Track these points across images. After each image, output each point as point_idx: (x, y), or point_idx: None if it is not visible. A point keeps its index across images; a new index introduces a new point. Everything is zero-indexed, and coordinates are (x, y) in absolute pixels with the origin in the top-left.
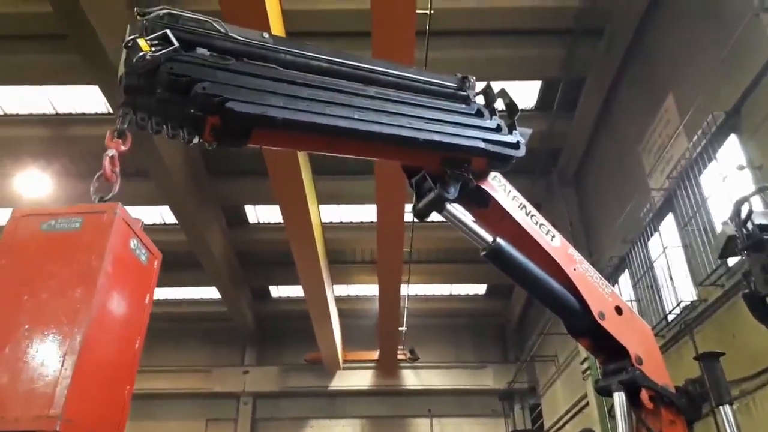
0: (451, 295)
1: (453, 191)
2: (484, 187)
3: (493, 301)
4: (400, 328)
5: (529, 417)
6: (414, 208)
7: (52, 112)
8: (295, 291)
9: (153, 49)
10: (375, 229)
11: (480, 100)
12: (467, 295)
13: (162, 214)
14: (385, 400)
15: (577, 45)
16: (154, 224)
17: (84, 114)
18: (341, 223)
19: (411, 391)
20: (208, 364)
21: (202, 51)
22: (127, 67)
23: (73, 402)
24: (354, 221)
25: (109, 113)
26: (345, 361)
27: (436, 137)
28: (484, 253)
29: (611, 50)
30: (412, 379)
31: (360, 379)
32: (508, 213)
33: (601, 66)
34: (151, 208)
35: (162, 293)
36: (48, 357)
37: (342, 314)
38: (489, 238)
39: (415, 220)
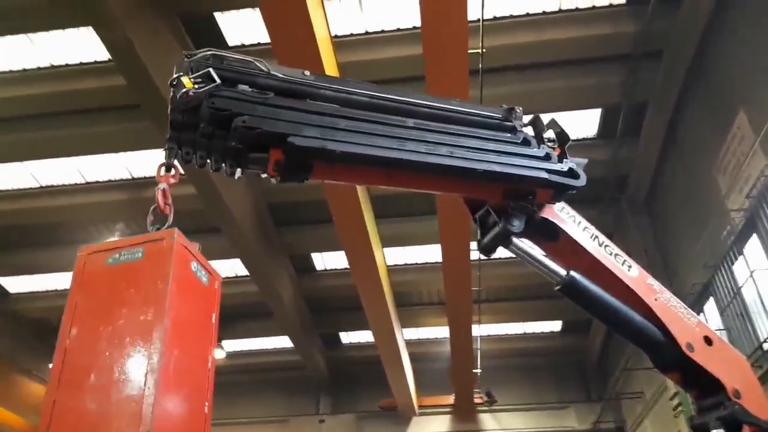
0: (525, 333)
1: (518, 224)
2: (551, 218)
3: (570, 338)
4: (474, 371)
5: None
6: (479, 243)
7: (129, 177)
8: (365, 336)
9: (196, 86)
10: (441, 270)
11: (530, 131)
12: (542, 332)
13: (234, 268)
14: None
15: (636, 69)
16: (227, 277)
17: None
18: (406, 265)
19: None
20: (284, 414)
21: (243, 87)
22: (173, 104)
23: (159, 417)
24: (419, 262)
25: (181, 175)
26: (420, 407)
27: (497, 168)
28: (558, 287)
29: (672, 72)
30: (491, 423)
31: (437, 424)
32: (579, 245)
33: (662, 88)
34: (224, 262)
35: (237, 345)
36: (131, 378)
37: (413, 358)
38: (562, 271)
39: (482, 257)
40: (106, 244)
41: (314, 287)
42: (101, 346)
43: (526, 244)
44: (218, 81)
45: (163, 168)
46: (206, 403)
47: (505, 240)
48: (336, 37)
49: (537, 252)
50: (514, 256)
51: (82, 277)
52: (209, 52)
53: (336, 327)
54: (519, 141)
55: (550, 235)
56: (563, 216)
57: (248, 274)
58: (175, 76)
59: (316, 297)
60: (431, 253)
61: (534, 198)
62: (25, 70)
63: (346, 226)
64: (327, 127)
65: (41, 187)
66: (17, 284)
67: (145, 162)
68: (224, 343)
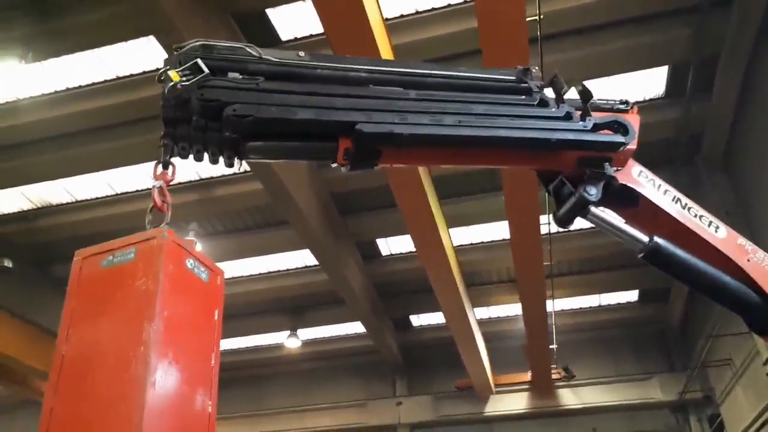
0: (600, 306)
1: (595, 193)
2: (629, 184)
3: (649, 307)
4: (550, 346)
5: (708, 430)
6: (555, 216)
7: (197, 178)
8: (436, 318)
9: (184, 78)
10: (509, 247)
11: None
12: (618, 303)
13: (303, 258)
14: (545, 422)
15: (705, 21)
16: (297, 268)
17: (224, 176)
18: (472, 244)
19: (571, 411)
20: (362, 398)
21: (234, 75)
22: (163, 100)
23: (154, 421)
24: (485, 241)
25: (245, 171)
26: (497, 385)
27: (570, 135)
28: (641, 255)
29: (746, 19)
30: (570, 398)
31: (515, 402)
32: (661, 209)
33: (735, 38)
34: (295, 253)
35: (312, 333)
36: (125, 383)
37: (486, 337)
38: (645, 238)
39: (553, 231)
40: (101, 246)
41: (382, 272)
42: (97, 352)
43: (605, 213)
44: (206, 71)
45: (159, 166)
46: (209, 403)
47: (582, 210)
48: (387, 20)
49: (617, 220)
50: (584, 227)
51: (79, 282)
52: (198, 43)
53: (406, 310)
54: (535, 102)
55: (628, 201)
56: (642, 180)
57: (317, 263)
58: (161, 69)
59: (385, 282)
60: (498, 231)
61: (611, 163)
62: (92, 84)
63: (410, 209)
64: (326, 108)
65: (117, 194)
66: None
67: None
68: (299, 332)
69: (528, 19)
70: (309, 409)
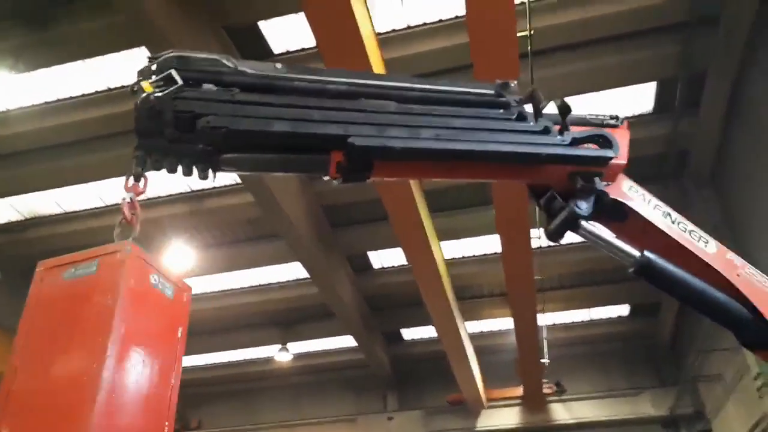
0: (591, 320)
1: (586, 207)
2: (619, 198)
3: (639, 321)
4: (541, 361)
5: None
6: (546, 230)
7: (188, 190)
8: (427, 332)
9: (158, 90)
10: (500, 260)
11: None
12: (609, 318)
13: (295, 271)
14: None
15: (692, 38)
16: (288, 280)
17: (215, 188)
18: (464, 257)
19: (563, 426)
20: (352, 413)
21: (208, 87)
22: (136, 111)
23: None
24: (477, 254)
25: (236, 183)
26: (489, 400)
27: (559, 150)
28: (632, 270)
29: (732, 36)
30: (562, 413)
31: (507, 417)
32: (651, 224)
33: (722, 55)
34: (285, 266)
35: (302, 346)
36: (74, 400)
37: (478, 351)
38: (635, 252)
39: (543, 245)
40: (64, 258)
41: (373, 285)
42: (50, 367)
43: (596, 227)
44: (180, 82)
45: (131, 178)
46: (166, 423)
47: (573, 224)
48: (379, 34)
49: (607, 234)
50: (575, 241)
51: (39, 294)
52: (173, 54)
53: (397, 324)
54: (513, 117)
55: (619, 216)
56: (632, 195)
57: (308, 276)
58: (134, 81)
59: (376, 295)
60: (489, 244)
61: (602, 178)
62: (83, 95)
63: (402, 222)
64: (303, 120)
65: (106, 206)
66: None
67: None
68: (290, 345)
69: (519, 34)
70: (300, 423)
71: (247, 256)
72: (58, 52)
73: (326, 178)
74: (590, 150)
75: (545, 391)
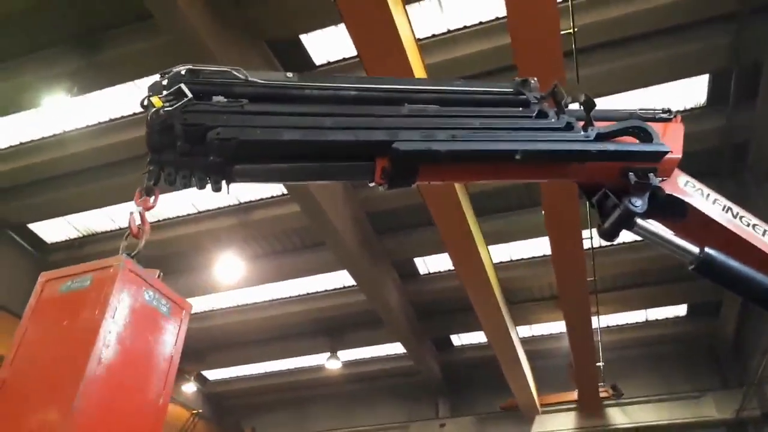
0: (647, 321)
1: (641, 204)
2: (676, 194)
3: (698, 322)
4: (596, 364)
5: None
6: (599, 229)
7: (236, 203)
8: (477, 337)
9: (168, 104)
10: (551, 263)
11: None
12: (666, 318)
13: (342, 279)
14: None
15: (745, 28)
16: (335, 288)
17: (262, 199)
18: (512, 261)
19: (621, 431)
20: (404, 420)
21: (218, 99)
22: (147, 126)
23: None
24: (525, 257)
25: (283, 194)
26: (543, 405)
27: (610, 147)
28: (692, 267)
29: None
30: (620, 417)
31: (562, 422)
32: (711, 219)
33: None
34: (333, 274)
35: (351, 354)
36: (52, 416)
37: (530, 356)
38: (695, 249)
39: (595, 245)
40: (64, 270)
41: (420, 291)
42: (36, 379)
43: (652, 225)
44: (189, 96)
45: (143, 191)
46: None
47: (628, 222)
48: (419, 40)
49: (665, 231)
50: (627, 240)
51: (36, 305)
52: (184, 68)
53: (446, 330)
54: (533, 115)
55: (676, 212)
56: (689, 190)
57: (355, 284)
58: (145, 96)
59: (423, 301)
60: (538, 246)
61: (656, 173)
62: (134, 114)
63: (448, 227)
64: (313, 128)
65: (158, 221)
66: None
67: (252, 187)
68: (339, 353)
69: (562, 32)
70: (352, 431)
71: (294, 265)
72: (109, 75)
73: (372, 184)
74: (643, 145)
75: (601, 394)
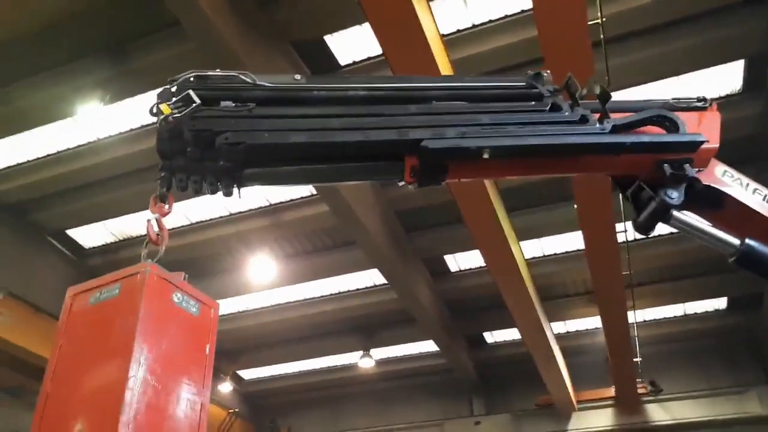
0: (686, 315)
1: (677, 196)
2: (713, 185)
3: (739, 315)
4: (634, 359)
5: None
6: (634, 222)
7: (267, 204)
8: (510, 334)
9: (176, 111)
10: (584, 257)
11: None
12: (706, 312)
13: (372, 278)
14: None
15: None
16: (366, 287)
17: (292, 200)
18: (545, 256)
19: (660, 428)
20: (439, 418)
21: (226, 104)
22: (157, 133)
23: None
24: (558, 252)
25: (312, 195)
26: (579, 402)
27: (645, 138)
28: (733, 259)
29: None
30: (659, 413)
31: (600, 419)
32: (751, 209)
33: None
34: (364, 273)
35: (385, 352)
36: (97, 424)
37: (565, 352)
38: (735, 241)
39: (630, 238)
40: (91, 283)
41: (451, 289)
42: (77, 392)
43: (689, 217)
44: (197, 102)
45: (157, 199)
46: None
47: (664, 215)
48: (444, 36)
49: (703, 223)
50: (663, 233)
51: (68, 320)
52: (192, 74)
53: (479, 327)
54: (546, 108)
55: (714, 203)
56: (727, 180)
57: (386, 282)
58: (153, 104)
59: (455, 299)
60: (571, 241)
61: (692, 164)
62: None
63: (478, 224)
64: (321, 130)
65: (191, 223)
66: None
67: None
68: (372, 351)
69: (590, 22)
70: (386, 429)
71: (326, 264)
72: (140, 82)
73: (401, 183)
74: (678, 135)
75: (639, 391)
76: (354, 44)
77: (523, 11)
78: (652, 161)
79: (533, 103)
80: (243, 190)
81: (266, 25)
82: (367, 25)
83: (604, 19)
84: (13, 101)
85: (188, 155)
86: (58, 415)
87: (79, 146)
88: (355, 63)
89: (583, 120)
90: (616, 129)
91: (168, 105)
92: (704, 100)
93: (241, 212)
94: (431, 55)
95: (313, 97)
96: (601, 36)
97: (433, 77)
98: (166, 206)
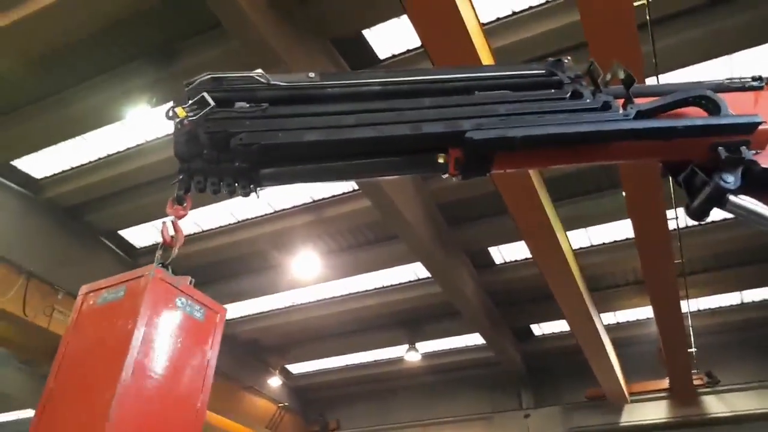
0: (743, 303)
1: (733, 180)
2: None
3: None
4: (689, 350)
5: None
6: (687, 209)
7: (310, 200)
8: (559, 326)
9: (191, 113)
10: (634, 246)
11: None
12: (764, 300)
13: (415, 271)
14: None
15: None
16: (410, 281)
17: (334, 196)
18: (592, 246)
19: (718, 420)
20: (487, 411)
21: (241, 105)
22: (174, 136)
23: None
24: (606, 242)
25: (354, 190)
26: (632, 394)
27: (699, 122)
28: None
29: None
30: (717, 405)
31: (653, 411)
32: None
33: None
34: (407, 267)
35: (430, 345)
36: (87, 423)
37: (615, 343)
38: None
39: (681, 225)
40: (101, 282)
41: (496, 281)
42: (77, 389)
43: (747, 201)
44: (212, 104)
45: (174, 200)
46: None
47: (720, 200)
48: (484, 24)
49: (761, 207)
50: (718, 219)
51: (77, 318)
52: (207, 77)
53: (526, 320)
54: (566, 96)
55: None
56: None
57: (429, 275)
58: (169, 107)
59: (500, 291)
60: (619, 230)
61: (749, 146)
62: None
63: (524, 215)
64: (334, 127)
65: (238, 221)
66: (230, 311)
67: (322, 186)
68: (418, 345)
69: (636, 4)
70: (435, 422)
71: (369, 259)
72: None
73: (445, 176)
74: (734, 117)
75: (695, 382)
76: (392, 37)
77: None
78: (705, 145)
79: (553, 90)
80: (264, 190)
81: (305, 22)
82: (405, 18)
83: (650, 0)
84: (68, 106)
85: (205, 157)
86: (58, 412)
87: (128, 149)
88: (393, 56)
89: (605, 107)
90: (642, 114)
91: (183, 108)
92: (760, 79)
93: (285, 209)
94: (472, 44)
95: (327, 95)
96: (647, 17)
97: (447, 68)
98: (184, 208)
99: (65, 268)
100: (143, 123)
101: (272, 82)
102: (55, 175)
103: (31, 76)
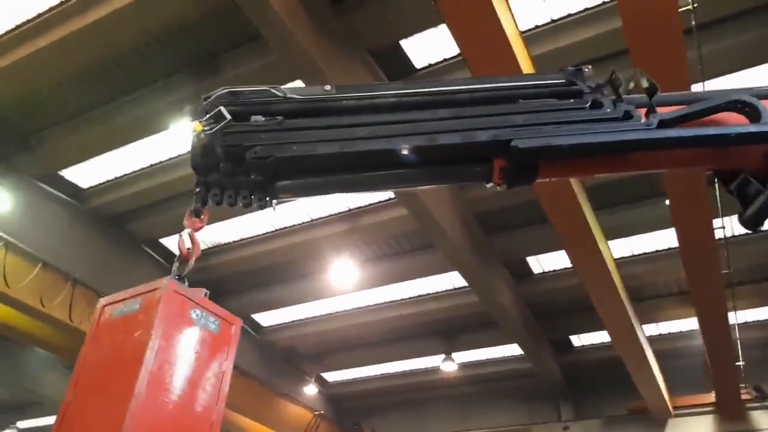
0: None
1: None
2: None
3: None
4: (736, 363)
5: None
6: (741, 218)
7: (346, 209)
8: (599, 337)
9: (207, 127)
10: (677, 256)
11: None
12: None
13: (452, 281)
14: None
15: None
16: (446, 290)
17: (370, 204)
18: (633, 255)
19: None
20: (525, 422)
21: (257, 118)
22: (191, 149)
23: None
24: (648, 251)
25: (390, 199)
26: (675, 408)
27: (752, 128)
28: None
29: None
30: (765, 421)
31: (699, 426)
32: None
33: None
34: (443, 276)
35: (467, 356)
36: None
37: (658, 356)
38: None
39: (728, 234)
40: (118, 295)
41: (534, 291)
42: (93, 401)
43: None
44: (228, 117)
45: (192, 213)
46: None
47: None
48: (523, 32)
49: None
50: (765, 228)
51: (95, 330)
52: (224, 91)
53: (565, 331)
54: (586, 106)
55: None
56: None
57: (466, 285)
58: (187, 121)
59: (538, 301)
60: (662, 239)
61: None
62: None
63: (565, 224)
64: (349, 139)
65: (276, 230)
66: (266, 318)
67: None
68: (454, 355)
69: (680, 9)
70: None
71: (405, 267)
72: None
73: (489, 185)
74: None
75: (743, 396)
76: (429, 47)
77: (603, 3)
78: (760, 153)
79: (572, 100)
80: (279, 202)
81: (343, 33)
82: (442, 27)
83: (696, 5)
84: (113, 118)
85: (221, 170)
86: (76, 425)
87: (170, 159)
88: (430, 65)
89: (627, 116)
90: (664, 124)
91: (200, 122)
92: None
93: (321, 218)
94: (512, 52)
95: (342, 107)
96: (693, 23)
97: (463, 79)
98: (201, 221)
99: (109, 275)
100: (184, 134)
101: (288, 96)
102: (99, 184)
103: (77, 89)
